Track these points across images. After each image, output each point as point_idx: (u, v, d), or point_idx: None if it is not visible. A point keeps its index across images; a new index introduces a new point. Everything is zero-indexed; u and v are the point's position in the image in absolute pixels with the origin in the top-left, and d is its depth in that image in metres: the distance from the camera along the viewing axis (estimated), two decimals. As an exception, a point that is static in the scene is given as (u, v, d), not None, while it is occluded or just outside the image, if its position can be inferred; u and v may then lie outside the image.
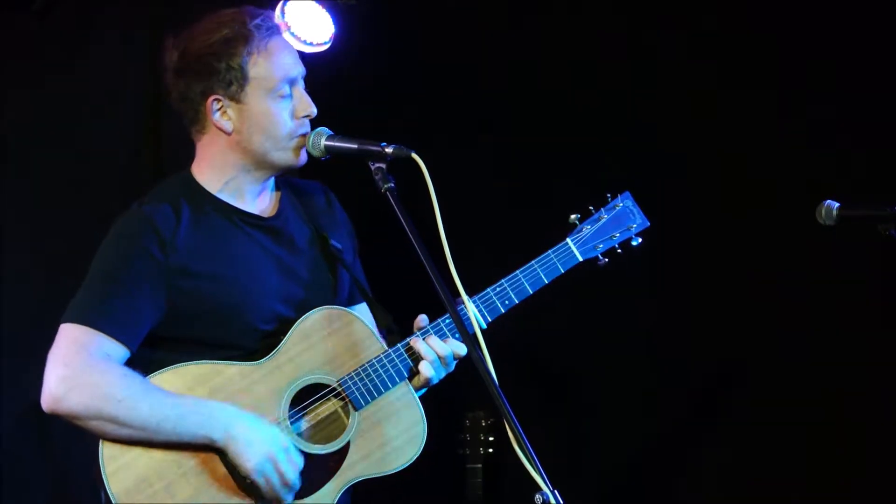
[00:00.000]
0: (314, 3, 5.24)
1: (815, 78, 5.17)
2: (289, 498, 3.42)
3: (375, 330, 3.60)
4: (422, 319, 3.62)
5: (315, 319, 3.53)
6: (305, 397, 3.49)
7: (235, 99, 3.57)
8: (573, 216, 3.67)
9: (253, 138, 3.57)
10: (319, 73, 5.52)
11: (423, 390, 3.65)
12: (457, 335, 3.55)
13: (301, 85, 3.64)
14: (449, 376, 5.32)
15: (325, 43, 5.28)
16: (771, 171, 5.25)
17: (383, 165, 3.42)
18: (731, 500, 5.29)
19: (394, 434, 3.51)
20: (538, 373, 5.46)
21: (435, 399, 5.53)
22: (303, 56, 5.35)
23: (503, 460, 5.25)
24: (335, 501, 3.48)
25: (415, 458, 3.53)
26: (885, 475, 5.06)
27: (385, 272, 4.79)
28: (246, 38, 3.54)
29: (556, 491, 3.01)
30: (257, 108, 3.56)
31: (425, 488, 5.56)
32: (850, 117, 5.11)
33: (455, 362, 3.60)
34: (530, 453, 3.05)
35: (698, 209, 5.35)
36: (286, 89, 3.59)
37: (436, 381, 3.60)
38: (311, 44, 5.32)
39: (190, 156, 5.62)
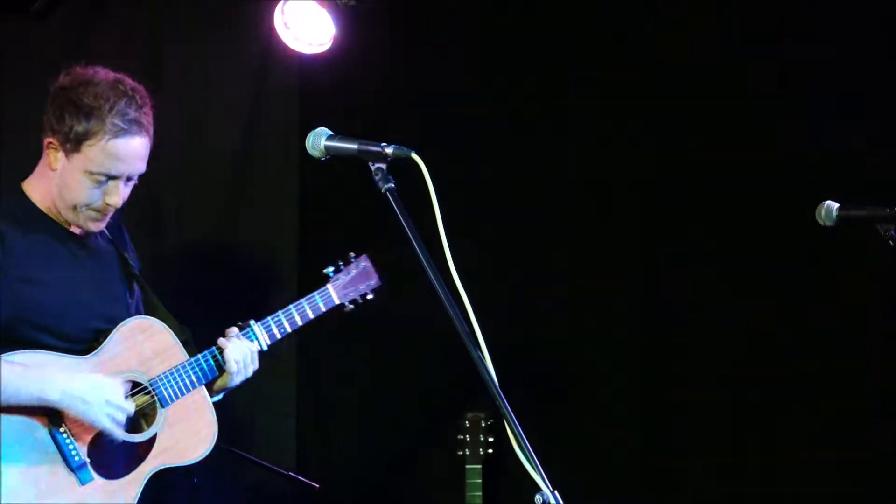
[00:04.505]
0: (314, 3, 5.25)
1: (814, 77, 5.17)
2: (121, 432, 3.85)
3: (179, 341, 4.05)
4: (232, 330, 4.12)
5: (131, 326, 3.95)
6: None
7: (65, 153, 3.90)
8: (328, 269, 4.31)
9: (62, 191, 3.91)
10: (319, 73, 5.57)
11: (221, 395, 4.17)
12: (253, 337, 4.15)
13: (124, 181, 3.93)
14: (448, 377, 5.36)
15: (325, 43, 5.28)
16: (771, 170, 5.25)
17: (383, 166, 3.42)
18: (729, 500, 5.30)
19: (190, 432, 3.98)
20: (538, 373, 5.46)
21: (435, 399, 5.57)
22: (303, 56, 5.42)
23: (503, 460, 5.26)
24: (144, 483, 3.89)
25: (207, 453, 3.99)
26: (887, 473, 5.07)
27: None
28: (103, 122, 3.87)
29: (556, 491, 3.01)
30: (73, 172, 3.90)
31: (425, 488, 5.57)
32: (851, 117, 5.12)
33: (255, 366, 4.13)
34: (530, 453, 3.05)
35: (698, 209, 5.35)
36: (103, 178, 3.89)
37: (237, 381, 4.11)
38: (310, 44, 5.33)
39: (189, 154, 5.65)
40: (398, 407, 5.65)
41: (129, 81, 3.97)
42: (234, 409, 5.45)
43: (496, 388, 3.14)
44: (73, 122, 3.87)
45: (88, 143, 3.87)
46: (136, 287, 4.09)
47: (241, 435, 5.53)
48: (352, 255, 4.37)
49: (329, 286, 4.30)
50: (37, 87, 5.17)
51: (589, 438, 5.43)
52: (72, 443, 3.80)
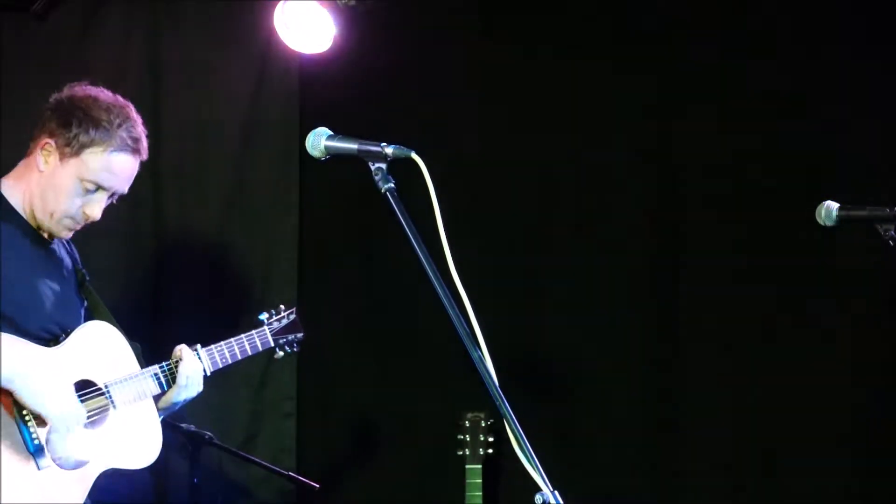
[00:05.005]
0: (314, 3, 5.25)
1: (815, 77, 5.18)
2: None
3: (133, 352, 4.17)
4: (181, 349, 4.24)
5: (93, 330, 4.07)
6: (78, 390, 4.00)
7: (60, 157, 3.98)
8: (261, 315, 4.52)
9: (46, 193, 3.99)
10: (319, 73, 5.57)
11: (163, 415, 4.20)
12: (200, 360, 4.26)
13: (107, 196, 4.04)
14: (448, 377, 5.36)
15: (325, 43, 5.28)
16: (771, 171, 5.25)
17: (383, 166, 3.43)
18: (729, 499, 5.30)
19: (138, 440, 4.08)
20: (538, 373, 5.46)
21: (435, 399, 5.57)
22: (303, 56, 5.43)
23: (503, 460, 5.26)
24: (94, 480, 3.95)
25: (152, 462, 4.09)
26: (887, 473, 5.07)
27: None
28: (108, 133, 3.99)
29: (556, 491, 3.01)
30: (64, 177, 3.98)
31: (425, 488, 5.57)
32: (851, 117, 5.12)
33: (200, 388, 4.22)
34: (530, 453, 3.05)
35: (698, 210, 5.35)
36: (92, 187, 3.99)
37: (182, 398, 4.19)
38: (311, 44, 5.33)
39: (189, 154, 5.65)
40: (398, 407, 5.65)
41: (133, 109, 4.09)
42: (234, 408, 5.47)
43: (496, 388, 3.14)
44: (80, 130, 3.96)
45: (90, 150, 3.96)
46: (84, 300, 4.19)
47: (242, 435, 5.54)
48: (281, 307, 4.58)
49: (265, 328, 4.50)
50: (37, 87, 5.20)
51: (589, 438, 5.43)
52: (32, 424, 3.84)
